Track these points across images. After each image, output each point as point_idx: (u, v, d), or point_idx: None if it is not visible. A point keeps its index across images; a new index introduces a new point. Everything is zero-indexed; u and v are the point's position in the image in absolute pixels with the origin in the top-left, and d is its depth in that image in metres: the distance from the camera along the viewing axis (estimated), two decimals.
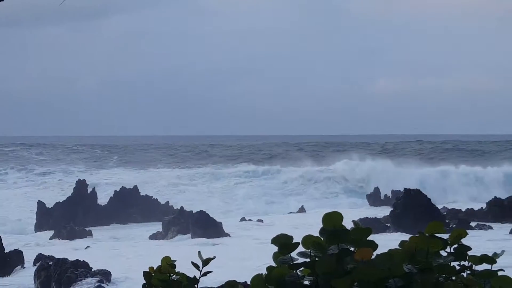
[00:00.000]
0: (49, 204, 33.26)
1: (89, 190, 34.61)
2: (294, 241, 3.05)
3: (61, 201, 33.70)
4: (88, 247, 25.86)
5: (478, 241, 23.28)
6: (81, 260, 18.44)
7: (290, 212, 38.30)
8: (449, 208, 31.25)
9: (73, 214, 31.97)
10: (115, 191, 35.51)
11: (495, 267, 3.08)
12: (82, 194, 34.08)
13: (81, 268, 17.88)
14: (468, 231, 3.22)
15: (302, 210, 38.18)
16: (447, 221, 28.37)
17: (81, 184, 34.52)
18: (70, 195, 34.04)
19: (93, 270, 18.00)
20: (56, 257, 18.98)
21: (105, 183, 42.32)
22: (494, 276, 2.97)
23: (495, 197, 31.14)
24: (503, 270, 3.05)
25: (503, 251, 3.20)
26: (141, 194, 35.63)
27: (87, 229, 29.91)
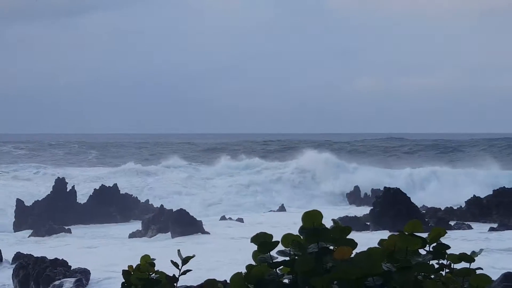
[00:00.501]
0: (28, 201, 33.10)
1: (69, 188, 34.45)
2: (273, 240, 3.05)
3: (40, 199, 33.54)
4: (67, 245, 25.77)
5: (456, 240, 23.41)
6: (60, 258, 18.35)
7: (271, 211, 38.35)
8: (428, 206, 31.38)
9: (52, 212, 31.81)
10: (95, 189, 35.37)
11: (473, 265, 3.10)
12: (61, 192, 33.91)
13: (60, 267, 17.79)
14: (447, 230, 3.23)
15: (282, 208, 38.23)
16: (426, 220, 28.51)
17: (60, 182, 34.36)
18: (49, 193, 33.87)
19: (72, 268, 17.91)
20: (35, 255, 18.87)
21: (85, 181, 42.11)
22: (472, 275, 2.99)
23: (474, 196, 31.32)
24: (481, 269, 3.06)
25: (481, 250, 3.22)
26: (120, 192, 35.52)
27: (66, 227, 29.78)
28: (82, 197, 34.91)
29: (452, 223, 29.38)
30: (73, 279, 16.98)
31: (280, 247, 3.04)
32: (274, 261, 3.02)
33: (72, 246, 25.56)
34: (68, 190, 34.27)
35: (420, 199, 34.79)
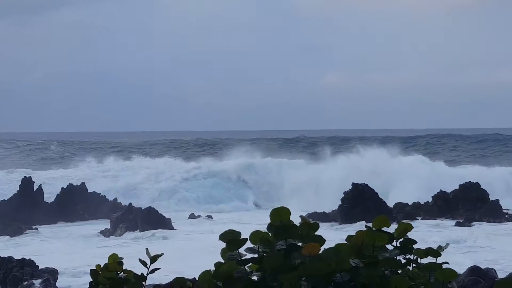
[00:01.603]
0: None
1: (35, 187, 34.15)
2: (242, 237, 3.05)
3: (6, 199, 33.22)
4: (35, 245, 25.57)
5: (423, 235, 23.61)
6: (27, 258, 18.20)
7: (240, 209, 38.35)
8: (396, 202, 31.60)
9: (19, 212, 31.52)
10: (62, 188, 35.08)
11: (439, 260, 3.13)
12: (28, 191, 33.62)
13: (27, 267, 17.65)
14: (414, 224, 3.26)
15: (252, 206, 38.26)
16: (394, 215, 28.70)
17: (27, 181, 34.06)
18: (16, 192, 33.55)
19: (39, 268, 17.78)
20: (1, 256, 18.70)
21: (52, 180, 41.74)
22: (438, 269, 3.02)
23: (441, 190, 31.57)
24: (448, 263, 3.09)
25: (447, 244, 3.25)
26: (88, 191, 35.28)
27: (33, 227, 29.55)
28: (49, 196, 34.62)
29: (419, 217, 29.63)
30: (40, 279, 16.86)
31: (248, 244, 3.04)
32: (242, 258, 3.02)
33: (39, 246, 25.36)
34: (35, 189, 33.98)
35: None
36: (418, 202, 31.31)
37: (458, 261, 17.90)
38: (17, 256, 18.44)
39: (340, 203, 29.28)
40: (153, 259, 3.36)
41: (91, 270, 3.35)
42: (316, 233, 3.01)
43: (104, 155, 55.58)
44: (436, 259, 3.12)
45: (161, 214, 28.52)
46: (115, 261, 3.32)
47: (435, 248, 3.17)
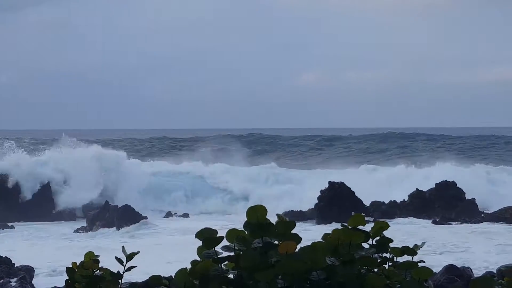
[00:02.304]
0: None
1: (12, 184, 33.91)
2: (218, 235, 3.05)
3: None
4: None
5: (399, 233, 23.71)
6: (3, 256, 18.08)
7: (217, 207, 38.26)
8: (372, 200, 31.69)
9: None
10: (40, 186, 34.83)
11: (415, 258, 3.15)
12: (3, 188, 33.40)
13: (2, 265, 17.53)
14: (390, 223, 3.28)
15: (227, 205, 38.19)
16: (370, 213, 28.80)
17: (2, 178, 33.83)
18: None
19: (15, 266, 17.67)
20: None
21: (29, 177, 41.42)
22: (414, 268, 3.03)
23: (417, 189, 31.70)
24: (424, 262, 3.11)
25: (423, 243, 3.27)
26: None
27: (9, 224, 29.36)
28: (26, 194, 34.37)
29: (395, 216, 29.74)
30: (16, 278, 16.74)
31: (225, 242, 3.04)
32: (219, 256, 3.02)
33: (15, 244, 25.21)
34: (11, 186, 33.75)
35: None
36: (394, 200, 31.43)
37: (434, 259, 18.00)
38: None
39: (317, 201, 29.33)
40: (129, 257, 3.36)
41: (67, 268, 3.34)
42: (292, 231, 3.02)
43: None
44: (412, 258, 3.14)
45: (138, 212, 28.45)
46: (91, 259, 3.31)
47: (411, 247, 3.18)
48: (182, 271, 3.04)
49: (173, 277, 3.08)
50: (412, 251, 3.15)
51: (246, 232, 3.02)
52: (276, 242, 3.00)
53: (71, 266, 3.34)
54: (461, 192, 30.88)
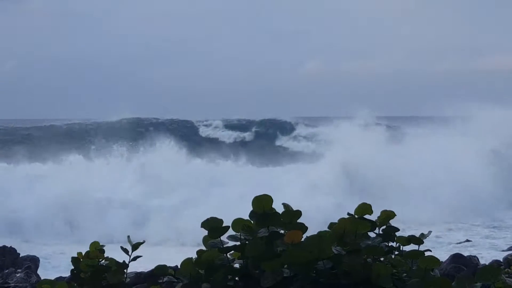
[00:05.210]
0: None
1: None
2: (224, 225, 3.04)
3: None
4: None
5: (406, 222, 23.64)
6: (8, 246, 18.10)
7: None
8: None
9: None
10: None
11: (422, 247, 3.13)
12: None
13: (8, 255, 17.56)
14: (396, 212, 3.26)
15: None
16: None
17: None
18: None
19: (20, 256, 17.70)
20: None
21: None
22: (421, 257, 3.02)
23: None
24: (430, 251, 3.09)
25: (430, 232, 3.25)
26: None
27: None
28: None
29: None
30: (22, 268, 16.78)
31: (230, 231, 3.03)
32: (224, 246, 3.01)
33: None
34: None
35: None
36: None
37: (440, 248, 17.97)
38: None
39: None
40: (135, 246, 3.35)
41: (72, 257, 3.33)
42: (298, 220, 3.00)
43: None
44: (419, 247, 3.12)
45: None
46: (97, 249, 3.30)
47: (418, 236, 3.17)
48: (188, 261, 3.03)
49: (179, 267, 3.08)
50: (419, 240, 3.13)
51: (252, 222, 3.00)
52: (282, 231, 2.98)
53: (76, 256, 3.33)
54: None
